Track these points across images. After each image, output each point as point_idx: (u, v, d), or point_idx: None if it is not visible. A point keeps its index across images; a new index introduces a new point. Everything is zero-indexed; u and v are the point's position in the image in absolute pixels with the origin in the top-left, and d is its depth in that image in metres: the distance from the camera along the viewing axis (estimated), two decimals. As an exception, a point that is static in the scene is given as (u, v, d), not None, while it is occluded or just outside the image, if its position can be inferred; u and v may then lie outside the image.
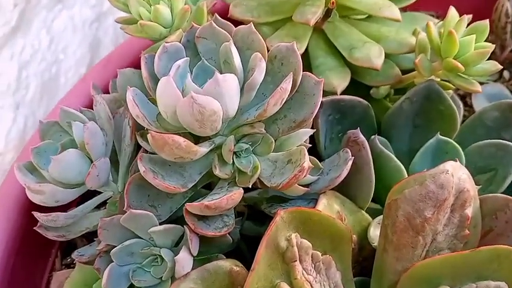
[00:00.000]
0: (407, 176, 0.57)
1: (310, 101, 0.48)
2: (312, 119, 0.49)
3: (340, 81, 0.60)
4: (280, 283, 0.47)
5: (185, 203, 0.50)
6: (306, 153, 0.49)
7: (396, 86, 0.65)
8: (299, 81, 0.49)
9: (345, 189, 0.57)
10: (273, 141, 0.50)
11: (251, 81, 0.47)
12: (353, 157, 0.53)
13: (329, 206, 0.54)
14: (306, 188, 0.53)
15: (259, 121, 0.51)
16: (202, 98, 0.44)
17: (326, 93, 0.60)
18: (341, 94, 0.60)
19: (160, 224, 0.51)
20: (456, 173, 0.50)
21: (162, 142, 0.45)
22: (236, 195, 0.48)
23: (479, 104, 0.77)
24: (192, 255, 0.50)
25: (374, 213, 0.58)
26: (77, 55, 1.04)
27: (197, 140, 0.52)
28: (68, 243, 0.70)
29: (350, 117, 0.61)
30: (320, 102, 0.48)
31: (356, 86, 0.64)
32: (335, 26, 0.63)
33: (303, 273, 0.48)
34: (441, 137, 0.60)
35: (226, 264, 0.50)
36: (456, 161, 0.51)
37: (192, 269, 0.51)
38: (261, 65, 0.46)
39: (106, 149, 0.54)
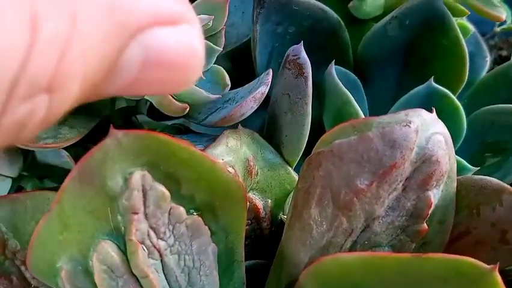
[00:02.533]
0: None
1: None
2: None
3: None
4: (101, 242, 0.30)
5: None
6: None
7: (393, 7, 0.45)
8: None
9: (272, 132, 0.39)
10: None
11: None
12: (284, 95, 0.35)
13: (233, 149, 0.36)
14: (181, 105, 0.35)
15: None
16: None
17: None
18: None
19: None
20: (425, 130, 0.31)
21: None
22: None
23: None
24: (-1, 173, 0.33)
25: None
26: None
27: None
28: None
29: (311, 36, 0.42)
30: None
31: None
32: None
33: (148, 234, 0.31)
34: (435, 85, 0.40)
35: (49, 196, 0.34)
36: (432, 112, 0.32)
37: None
38: None
39: None
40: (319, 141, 0.32)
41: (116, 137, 0.29)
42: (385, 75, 0.43)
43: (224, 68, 0.50)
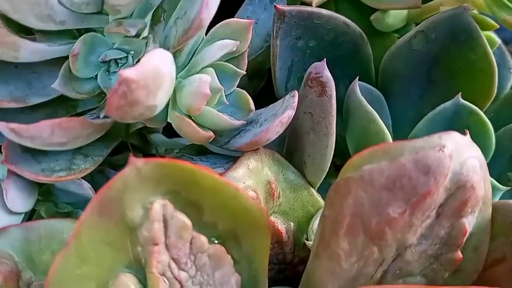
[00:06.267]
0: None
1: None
2: (203, 20, 0.29)
3: (321, -14, 0.39)
4: (120, 275, 0.29)
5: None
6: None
7: (416, 19, 0.43)
8: None
9: (294, 153, 0.38)
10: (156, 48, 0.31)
11: None
12: (305, 114, 0.34)
13: (255, 171, 0.35)
14: (207, 133, 0.34)
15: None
16: None
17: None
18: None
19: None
20: (459, 154, 0.30)
21: None
22: (73, 122, 0.29)
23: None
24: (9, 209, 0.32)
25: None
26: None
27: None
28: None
29: (333, 51, 0.41)
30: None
31: (356, 9, 0.43)
32: None
33: (169, 266, 0.29)
34: (463, 101, 0.38)
35: (64, 225, 0.33)
36: (465, 135, 0.30)
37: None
38: None
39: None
40: (346, 165, 0.31)
41: (136, 166, 0.28)
42: (409, 89, 0.42)
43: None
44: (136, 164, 0.28)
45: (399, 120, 0.42)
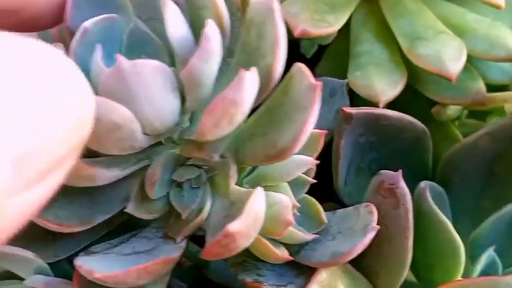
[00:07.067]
0: (463, 256, 0.36)
1: (299, 117, 0.27)
2: (292, 153, 0.28)
3: (387, 86, 0.39)
4: None
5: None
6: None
7: (473, 107, 0.43)
8: (275, 76, 0.27)
9: (363, 260, 0.36)
10: (235, 171, 0.30)
11: (189, 70, 0.25)
12: (379, 224, 0.32)
13: (328, 287, 0.34)
14: (283, 255, 0.32)
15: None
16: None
17: (362, 101, 0.39)
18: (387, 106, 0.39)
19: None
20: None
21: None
22: (158, 264, 0.27)
23: None
24: None
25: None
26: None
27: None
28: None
29: (393, 144, 0.40)
30: (310, 123, 0.27)
31: (413, 95, 0.42)
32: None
33: None
34: (528, 203, 0.37)
35: None
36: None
37: None
38: (208, 38, 0.25)
39: None
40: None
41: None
42: (469, 181, 0.41)
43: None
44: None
45: (458, 213, 0.41)
